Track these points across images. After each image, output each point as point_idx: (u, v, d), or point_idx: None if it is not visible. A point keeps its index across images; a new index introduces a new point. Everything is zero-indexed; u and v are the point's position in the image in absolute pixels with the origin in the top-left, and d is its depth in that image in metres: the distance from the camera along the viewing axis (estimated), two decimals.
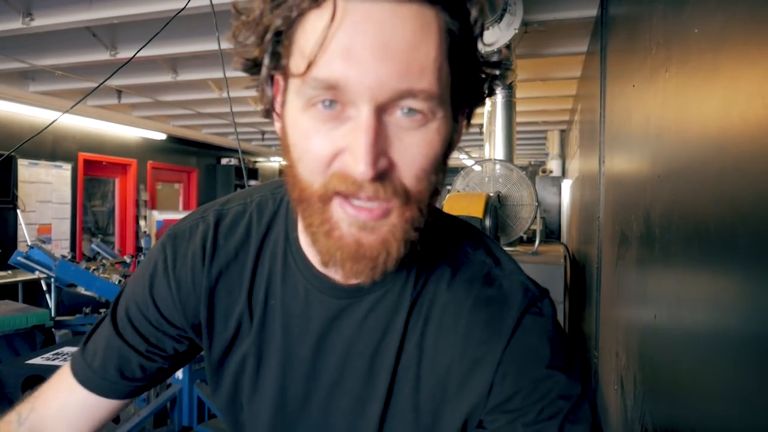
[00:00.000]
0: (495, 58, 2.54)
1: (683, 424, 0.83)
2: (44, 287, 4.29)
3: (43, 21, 3.03)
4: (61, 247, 5.87)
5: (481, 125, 4.71)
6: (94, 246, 5.05)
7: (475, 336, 0.58)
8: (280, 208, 0.66)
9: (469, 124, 0.58)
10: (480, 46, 0.53)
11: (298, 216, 0.59)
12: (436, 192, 0.53)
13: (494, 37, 2.46)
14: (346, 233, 0.50)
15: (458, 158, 9.11)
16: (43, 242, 5.52)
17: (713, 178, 0.69)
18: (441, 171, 0.52)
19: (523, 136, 7.19)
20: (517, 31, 2.42)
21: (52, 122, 1.81)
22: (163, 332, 0.67)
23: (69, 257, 3.36)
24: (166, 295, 0.65)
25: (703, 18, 0.76)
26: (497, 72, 0.56)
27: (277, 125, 0.56)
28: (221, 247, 0.65)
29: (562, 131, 6.41)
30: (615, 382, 1.54)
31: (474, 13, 0.50)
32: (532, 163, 10.37)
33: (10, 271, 4.61)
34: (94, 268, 3.34)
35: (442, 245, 0.62)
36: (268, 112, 0.57)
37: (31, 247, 3.24)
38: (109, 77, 1.96)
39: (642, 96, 1.23)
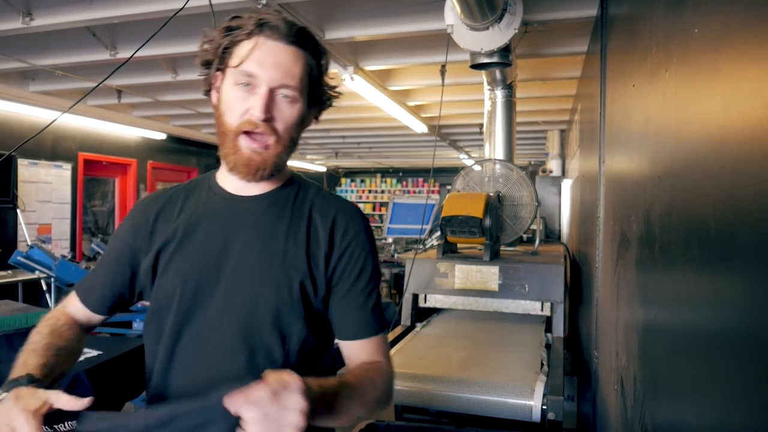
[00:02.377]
0: (496, 59, 2.55)
1: (683, 424, 0.83)
2: (44, 287, 4.29)
3: (43, 21, 3.03)
4: (61, 246, 5.87)
5: (481, 125, 4.71)
6: (94, 246, 5.06)
7: (336, 228, 1.02)
8: (205, 176, 1.10)
9: (317, 119, 1.07)
10: (325, 77, 1.03)
11: (219, 152, 0.99)
12: (294, 145, 1.00)
13: (494, 37, 2.46)
14: (244, 153, 0.95)
15: (458, 158, 9.11)
16: (43, 242, 5.52)
17: (713, 178, 0.69)
18: (297, 132, 0.99)
19: (523, 136, 7.18)
20: (517, 30, 2.42)
21: (52, 122, 1.81)
22: (122, 260, 1.05)
23: (69, 257, 3.36)
24: (127, 230, 1.06)
25: (703, 18, 0.76)
26: (332, 93, 1.06)
27: (214, 96, 1.00)
28: (161, 198, 1.08)
29: (562, 131, 6.40)
30: (615, 382, 1.54)
31: (323, 60, 1.01)
32: (532, 162, 10.37)
33: (10, 271, 4.61)
34: (93, 267, 3.34)
35: (309, 185, 1.08)
36: (208, 92, 1.03)
37: (31, 247, 3.24)
38: (107, 77, 1.96)
39: (642, 96, 1.23)
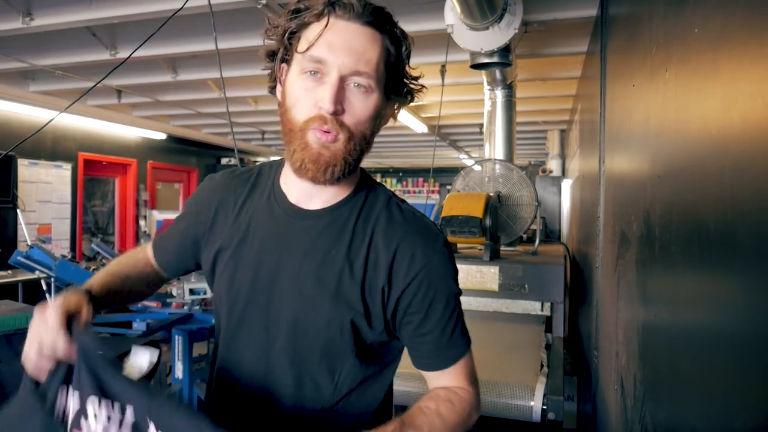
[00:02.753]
0: (496, 59, 2.55)
1: (683, 424, 0.83)
2: (44, 287, 4.29)
3: (43, 21, 3.03)
4: (61, 246, 5.86)
5: (481, 125, 4.70)
6: (94, 246, 5.06)
7: (399, 256, 0.89)
8: (272, 168, 1.00)
9: (395, 116, 0.94)
10: (407, 66, 0.91)
11: (285, 149, 0.88)
12: (368, 143, 0.88)
13: (494, 37, 2.46)
14: (314, 148, 0.83)
15: (458, 158, 9.11)
16: (43, 242, 5.51)
17: (713, 177, 0.69)
18: (371, 127, 0.87)
19: (523, 136, 7.18)
20: (517, 30, 2.42)
21: (50, 121, 1.81)
22: (186, 239, 1.03)
23: (69, 257, 3.36)
24: (191, 210, 1.03)
25: (703, 18, 0.76)
26: (415, 83, 0.93)
27: (279, 91, 0.90)
28: (228, 183, 1.01)
29: (562, 131, 6.40)
30: (615, 382, 1.54)
31: (404, 45, 0.89)
32: (532, 163, 10.37)
33: (10, 271, 4.61)
34: (94, 267, 3.34)
35: (377, 196, 0.95)
36: (273, 88, 0.93)
37: (31, 247, 3.24)
38: (105, 76, 1.96)
39: (642, 96, 1.23)
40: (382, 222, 0.91)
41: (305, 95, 0.82)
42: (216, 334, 1.00)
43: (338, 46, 0.81)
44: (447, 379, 0.94)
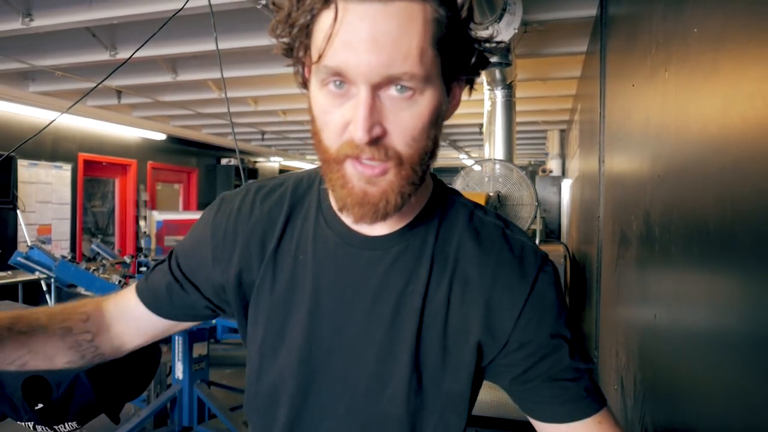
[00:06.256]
0: (496, 59, 2.55)
1: (683, 424, 0.83)
2: (44, 287, 4.29)
3: (43, 21, 3.03)
4: (61, 247, 5.86)
5: (481, 125, 4.70)
6: (94, 246, 5.06)
7: (499, 287, 0.69)
8: (314, 183, 0.77)
9: (471, 90, 0.70)
10: (471, 26, 0.64)
11: (325, 182, 0.67)
12: (432, 155, 0.65)
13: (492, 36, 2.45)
14: (355, 185, 0.62)
15: (458, 158, 9.11)
16: (43, 242, 5.51)
17: (713, 178, 0.69)
18: (433, 137, 0.64)
19: (523, 135, 7.18)
20: (516, 30, 2.42)
21: (51, 122, 1.81)
22: (200, 272, 0.79)
23: (69, 257, 3.35)
24: (206, 240, 0.78)
25: (702, 18, 0.76)
26: (488, 46, 0.66)
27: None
28: (257, 207, 0.77)
29: (562, 131, 6.40)
30: (615, 382, 1.54)
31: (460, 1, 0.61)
32: (532, 162, 10.37)
33: (10, 272, 4.61)
34: (94, 268, 3.34)
35: (456, 211, 0.74)
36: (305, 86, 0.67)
37: (31, 248, 3.23)
38: (106, 78, 1.96)
39: (642, 96, 1.23)
40: (467, 246, 0.71)
41: (332, 115, 0.61)
42: (252, 396, 0.77)
43: (359, 43, 0.56)
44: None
